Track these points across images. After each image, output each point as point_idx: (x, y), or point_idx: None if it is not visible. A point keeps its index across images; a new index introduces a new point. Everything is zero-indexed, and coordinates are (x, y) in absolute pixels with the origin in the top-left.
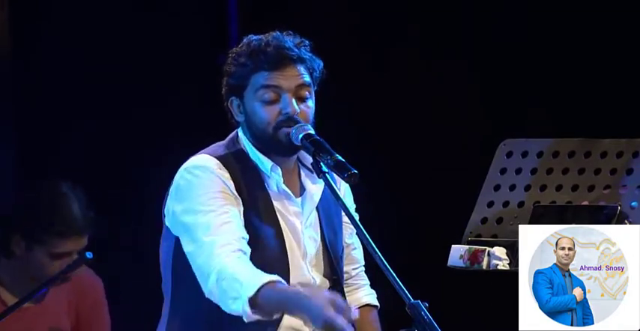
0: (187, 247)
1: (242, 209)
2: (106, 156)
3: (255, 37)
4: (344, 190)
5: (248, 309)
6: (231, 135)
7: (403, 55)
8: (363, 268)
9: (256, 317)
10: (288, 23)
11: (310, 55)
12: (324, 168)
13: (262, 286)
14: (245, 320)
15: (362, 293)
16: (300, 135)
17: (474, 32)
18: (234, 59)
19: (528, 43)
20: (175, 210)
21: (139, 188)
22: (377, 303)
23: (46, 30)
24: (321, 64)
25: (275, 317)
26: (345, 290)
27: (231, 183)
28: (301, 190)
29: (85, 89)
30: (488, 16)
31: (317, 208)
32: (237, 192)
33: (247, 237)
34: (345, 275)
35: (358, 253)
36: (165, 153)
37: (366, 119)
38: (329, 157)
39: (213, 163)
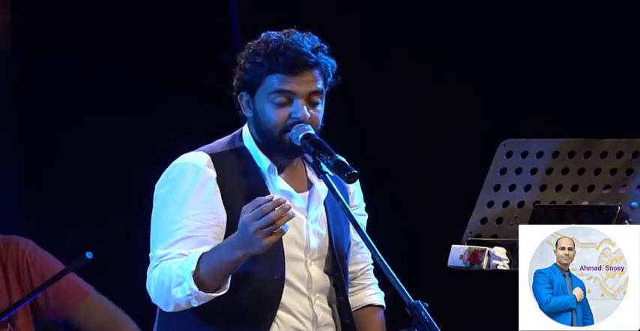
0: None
1: (219, 214)
2: (107, 155)
3: (274, 36)
4: (354, 188)
5: (194, 286)
6: (235, 132)
7: (403, 54)
8: (372, 267)
9: (203, 294)
10: (288, 23)
11: (326, 59)
12: (324, 168)
13: (200, 257)
14: (194, 303)
15: (366, 293)
16: (300, 136)
17: (474, 32)
18: (251, 55)
19: (528, 43)
20: (154, 195)
21: (139, 188)
22: (382, 303)
23: (46, 30)
24: (335, 65)
25: (222, 290)
26: (351, 289)
27: (213, 185)
28: (309, 185)
29: (86, 89)
30: (488, 16)
31: (325, 203)
32: (223, 192)
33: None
34: (352, 275)
35: (366, 252)
36: (166, 153)
37: (366, 119)
38: (329, 157)
39: (202, 161)
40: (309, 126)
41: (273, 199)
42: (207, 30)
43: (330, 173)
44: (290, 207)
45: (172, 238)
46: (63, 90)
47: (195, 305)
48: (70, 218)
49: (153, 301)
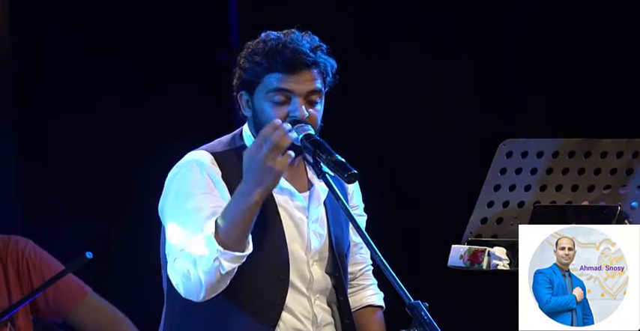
0: (166, 247)
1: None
2: (107, 155)
3: (273, 35)
4: (353, 189)
5: (219, 246)
6: (235, 131)
7: (403, 54)
8: (371, 268)
9: (230, 253)
10: (287, 23)
11: (325, 58)
12: (324, 168)
13: (217, 219)
14: (223, 269)
15: (365, 294)
16: (300, 136)
17: (475, 32)
18: (250, 55)
19: (529, 43)
20: (161, 204)
21: (139, 188)
22: (381, 303)
23: (46, 30)
24: (335, 65)
25: (247, 250)
26: (351, 290)
27: (219, 180)
28: (309, 185)
29: (85, 89)
30: (489, 16)
31: (325, 204)
32: (229, 190)
33: None
34: (351, 276)
35: (365, 253)
36: (165, 151)
37: (366, 119)
38: (329, 157)
39: (207, 159)
40: (309, 126)
41: (270, 123)
42: (207, 30)
43: (330, 173)
44: (287, 127)
45: (191, 230)
46: (63, 89)
47: (224, 272)
48: (70, 218)
49: (183, 295)
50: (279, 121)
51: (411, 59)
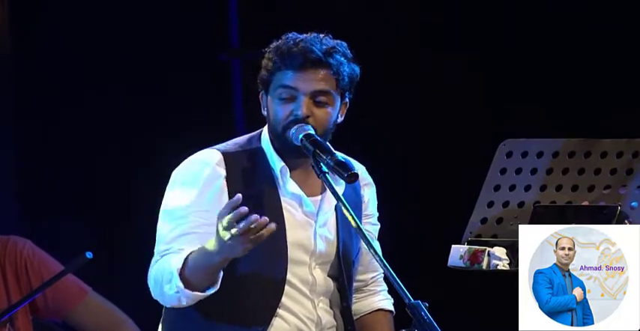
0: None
1: None
2: (107, 155)
3: (292, 35)
4: (368, 197)
5: (180, 284)
6: (254, 133)
7: (402, 54)
8: (382, 275)
9: (190, 292)
10: (288, 22)
11: (340, 61)
12: (324, 168)
13: (188, 256)
14: (184, 301)
15: (376, 299)
16: (300, 135)
17: (475, 32)
18: (269, 53)
19: (529, 43)
20: (163, 199)
21: (139, 188)
22: (391, 308)
23: (46, 30)
24: (356, 71)
25: (211, 290)
26: (361, 295)
27: (221, 183)
28: (322, 189)
29: (85, 89)
30: (489, 16)
31: (336, 209)
32: (231, 191)
33: None
34: (362, 283)
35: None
36: (166, 151)
37: (366, 120)
38: (329, 157)
39: (213, 160)
40: (310, 126)
41: (238, 210)
42: (207, 30)
43: (329, 173)
44: (256, 220)
45: (175, 233)
46: (63, 89)
47: (185, 304)
48: (70, 218)
49: (153, 297)
50: (245, 210)
51: (410, 59)
